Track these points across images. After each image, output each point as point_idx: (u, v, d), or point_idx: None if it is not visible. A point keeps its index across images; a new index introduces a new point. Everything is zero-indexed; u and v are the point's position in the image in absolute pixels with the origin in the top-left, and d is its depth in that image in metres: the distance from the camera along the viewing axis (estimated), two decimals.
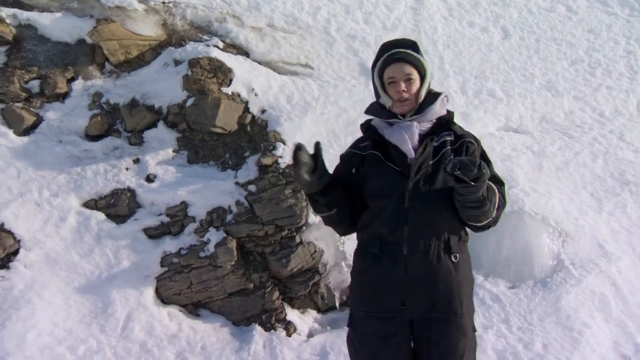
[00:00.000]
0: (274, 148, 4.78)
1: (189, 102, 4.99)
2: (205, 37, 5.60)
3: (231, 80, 5.15)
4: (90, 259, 4.22)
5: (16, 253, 4.15)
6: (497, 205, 2.23)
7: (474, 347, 2.34)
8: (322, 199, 2.35)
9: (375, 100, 2.50)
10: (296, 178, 2.27)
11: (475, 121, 5.57)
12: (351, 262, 4.45)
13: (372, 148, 2.38)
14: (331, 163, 4.63)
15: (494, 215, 2.25)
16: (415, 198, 2.25)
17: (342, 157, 2.53)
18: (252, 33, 5.80)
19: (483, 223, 2.27)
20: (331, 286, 4.50)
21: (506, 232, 4.56)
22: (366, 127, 2.51)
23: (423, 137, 2.34)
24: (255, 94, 5.17)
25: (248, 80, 5.21)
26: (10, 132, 4.78)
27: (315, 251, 4.47)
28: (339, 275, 4.52)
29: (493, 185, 2.23)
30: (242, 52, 5.62)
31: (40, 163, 4.65)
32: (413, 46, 2.41)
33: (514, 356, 3.83)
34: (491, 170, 2.31)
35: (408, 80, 2.34)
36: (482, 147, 2.41)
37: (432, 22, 6.75)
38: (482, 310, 4.16)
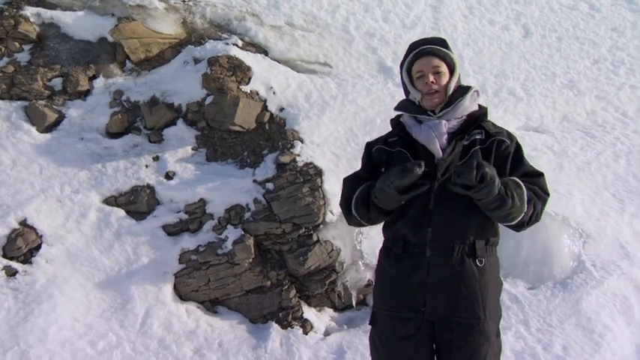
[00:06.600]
0: (292, 146, 4.78)
1: (209, 100, 5.02)
2: (225, 35, 5.63)
3: (249, 78, 5.17)
4: (110, 254, 4.27)
5: (38, 248, 4.22)
6: (526, 199, 2.11)
7: (498, 352, 2.29)
8: (384, 218, 2.33)
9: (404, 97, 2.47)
10: (390, 180, 2.10)
11: (495, 120, 5.43)
12: (368, 261, 4.46)
13: (400, 145, 2.32)
14: (349, 161, 4.67)
15: (525, 210, 2.11)
16: (440, 199, 2.19)
17: (369, 146, 2.46)
18: (271, 31, 5.81)
19: (517, 221, 2.14)
20: (348, 285, 4.49)
21: (526, 233, 4.39)
22: (395, 122, 2.46)
23: (452, 135, 2.28)
24: (274, 93, 5.18)
25: (267, 78, 5.23)
26: (33, 129, 4.86)
27: (333, 250, 4.47)
28: (355, 274, 4.51)
29: (517, 180, 2.14)
30: (261, 50, 5.63)
31: (62, 160, 4.72)
32: (441, 42, 2.41)
33: (533, 358, 3.79)
34: (527, 164, 2.27)
35: (437, 73, 2.31)
36: (517, 143, 2.32)
37: (452, 20, 6.69)
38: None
